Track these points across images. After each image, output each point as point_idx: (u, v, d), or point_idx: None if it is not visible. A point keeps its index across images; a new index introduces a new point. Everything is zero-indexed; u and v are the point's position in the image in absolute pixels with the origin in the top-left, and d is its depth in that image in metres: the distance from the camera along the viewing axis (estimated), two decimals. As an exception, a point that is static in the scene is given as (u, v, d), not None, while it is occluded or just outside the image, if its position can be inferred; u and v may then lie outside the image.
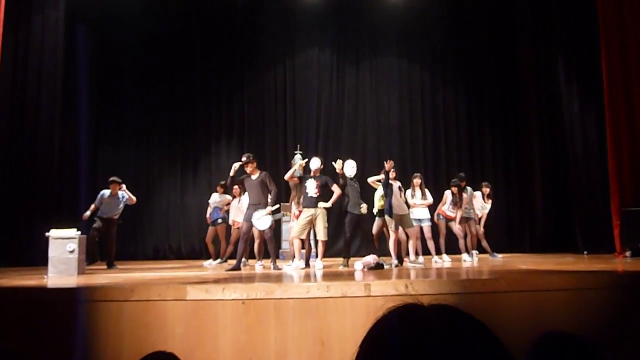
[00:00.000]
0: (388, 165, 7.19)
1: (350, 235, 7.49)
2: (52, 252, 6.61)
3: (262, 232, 7.49)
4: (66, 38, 10.32)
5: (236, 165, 7.14)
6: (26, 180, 9.65)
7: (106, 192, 8.48)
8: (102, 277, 6.01)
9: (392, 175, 7.16)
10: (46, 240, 6.69)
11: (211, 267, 8.52)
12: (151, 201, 12.00)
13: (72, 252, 6.66)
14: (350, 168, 7.53)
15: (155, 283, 4.51)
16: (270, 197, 7.19)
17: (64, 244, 6.64)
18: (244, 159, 7.24)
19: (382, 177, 7.79)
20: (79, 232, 6.88)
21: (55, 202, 9.95)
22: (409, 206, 7.56)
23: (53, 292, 4.34)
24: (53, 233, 6.72)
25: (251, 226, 7.15)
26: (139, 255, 11.14)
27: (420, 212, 8.12)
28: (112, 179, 8.57)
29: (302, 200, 7.41)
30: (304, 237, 7.26)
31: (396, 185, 7.27)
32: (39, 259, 7.67)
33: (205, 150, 12.18)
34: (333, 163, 7.39)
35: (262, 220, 7.00)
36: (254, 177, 7.20)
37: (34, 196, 9.65)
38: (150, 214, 11.75)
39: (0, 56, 7.96)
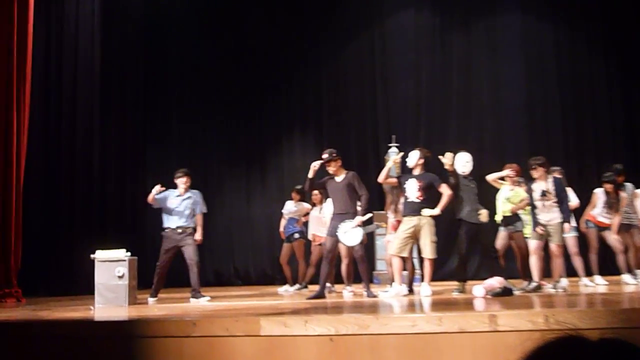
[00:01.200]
0: (512, 172, 7.50)
1: (467, 250, 7.43)
2: (98, 277, 7.06)
3: (350, 249, 7.54)
4: (103, 19, 11.12)
5: (315, 165, 7.31)
6: (64, 193, 10.40)
7: (172, 192, 7.74)
8: (158, 308, 6.30)
9: (538, 174, 7.06)
10: (91, 264, 7.11)
11: (288, 294, 8.76)
12: (210, 212, 12.36)
13: (121, 277, 7.05)
14: (463, 163, 7.47)
15: (221, 315, 4.71)
16: (359, 203, 7.28)
17: (111, 267, 7.04)
18: (324, 156, 7.39)
19: (506, 173, 7.72)
20: (129, 253, 7.24)
21: (97, 218, 10.66)
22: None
23: (100, 325, 4.64)
24: (99, 254, 7.13)
25: (336, 242, 7.28)
26: (198, 281, 11.52)
27: (561, 219, 7.65)
28: (181, 170, 7.85)
29: (401, 206, 7.43)
30: (405, 254, 7.22)
31: (539, 187, 7.09)
32: (83, 286, 8.11)
33: (274, 147, 12.55)
34: (440, 157, 7.38)
35: (351, 234, 7.09)
36: (338, 178, 7.32)
37: (73, 212, 10.40)
38: (209, 229, 12.03)
39: (30, 44, 8.51)
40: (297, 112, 12.65)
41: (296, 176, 11.02)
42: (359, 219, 7.19)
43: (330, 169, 7.40)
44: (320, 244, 8.59)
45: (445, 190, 7.26)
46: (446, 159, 7.35)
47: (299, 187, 9.30)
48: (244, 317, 4.29)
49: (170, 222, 7.63)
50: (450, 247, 9.59)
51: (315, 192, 8.60)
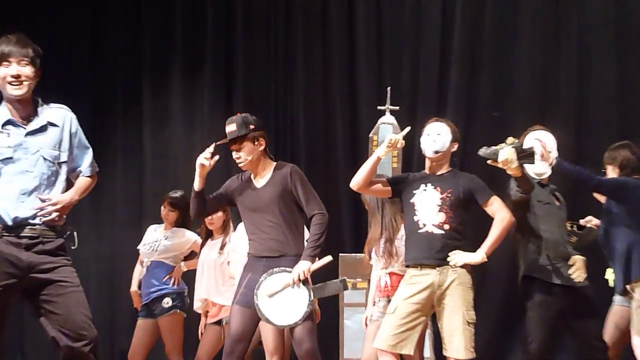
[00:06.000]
0: None
1: (540, 341, 5.18)
2: None
3: (285, 336, 5.62)
4: None
5: (207, 154, 4.79)
6: None
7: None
8: None
9: None
10: None
11: None
12: None
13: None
14: (542, 154, 5.11)
15: None
16: (309, 236, 5.05)
17: None
18: (230, 129, 4.90)
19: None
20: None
21: None
22: None
23: None
24: None
25: (254, 318, 4.85)
26: None
27: None
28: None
29: (399, 243, 5.24)
30: (407, 350, 4.87)
31: None
32: None
33: (118, 105, 8.67)
34: (489, 149, 4.96)
35: (285, 302, 4.86)
36: (261, 180, 4.99)
37: None
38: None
39: None
40: (170, 25, 8.57)
41: (169, 171, 8.09)
42: (304, 266, 4.73)
43: (242, 159, 4.88)
44: (219, 322, 6.11)
45: (499, 211, 4.86)
46: (505, 148, 4.93)
47: (175, 194, 6.56)
48: None
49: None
50: (507, 335, 7.27)
51: (214, 210, 5.96)
